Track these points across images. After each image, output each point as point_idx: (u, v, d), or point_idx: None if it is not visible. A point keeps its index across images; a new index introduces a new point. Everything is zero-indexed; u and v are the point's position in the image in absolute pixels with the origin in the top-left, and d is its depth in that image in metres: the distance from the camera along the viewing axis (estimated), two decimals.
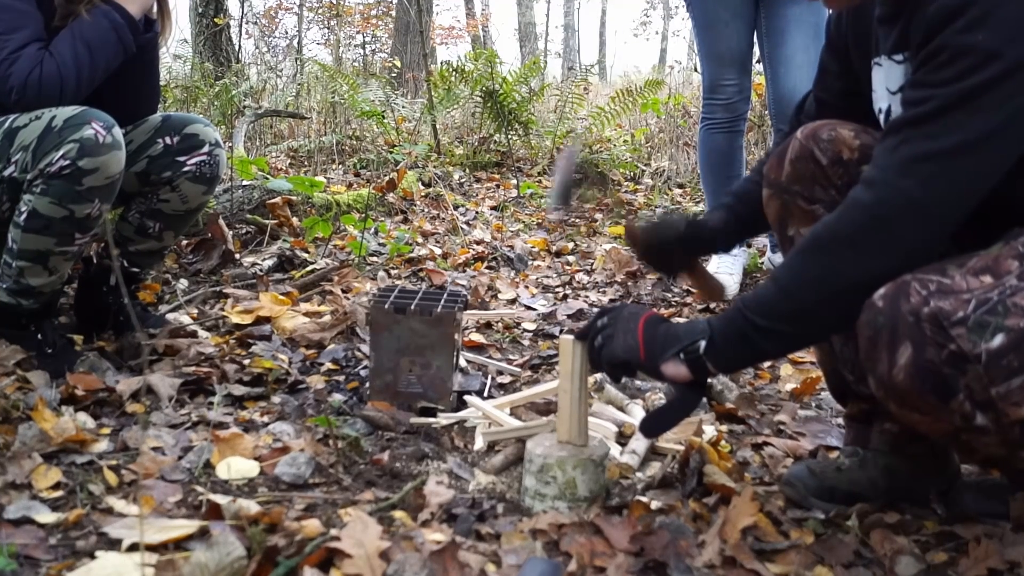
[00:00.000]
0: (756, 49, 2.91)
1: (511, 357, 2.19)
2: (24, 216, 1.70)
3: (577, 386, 1.37)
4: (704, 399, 1.85)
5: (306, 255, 2.98)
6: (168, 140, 1.97)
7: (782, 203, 1.42)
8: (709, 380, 1.36)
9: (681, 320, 2.45)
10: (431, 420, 1.69)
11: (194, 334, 2.09)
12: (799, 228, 1.41)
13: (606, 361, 1.30)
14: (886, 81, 1.29)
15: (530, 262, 3.23)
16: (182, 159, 1.97)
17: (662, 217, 1.57)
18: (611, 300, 2.77)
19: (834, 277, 1.14)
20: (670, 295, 2.81)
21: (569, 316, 2.54)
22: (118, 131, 1.71)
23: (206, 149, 1.99)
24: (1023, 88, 1.06)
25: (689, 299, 2.77)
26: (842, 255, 1.13)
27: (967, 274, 1.07)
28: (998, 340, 1.02)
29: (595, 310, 2.60)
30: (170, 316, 2.25)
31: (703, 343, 1.21)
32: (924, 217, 1.10)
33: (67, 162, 1.65)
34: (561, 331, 2.39)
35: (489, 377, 1.99)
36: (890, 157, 1.12)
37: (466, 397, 1.77)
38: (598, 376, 1.97)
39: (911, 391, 1.07)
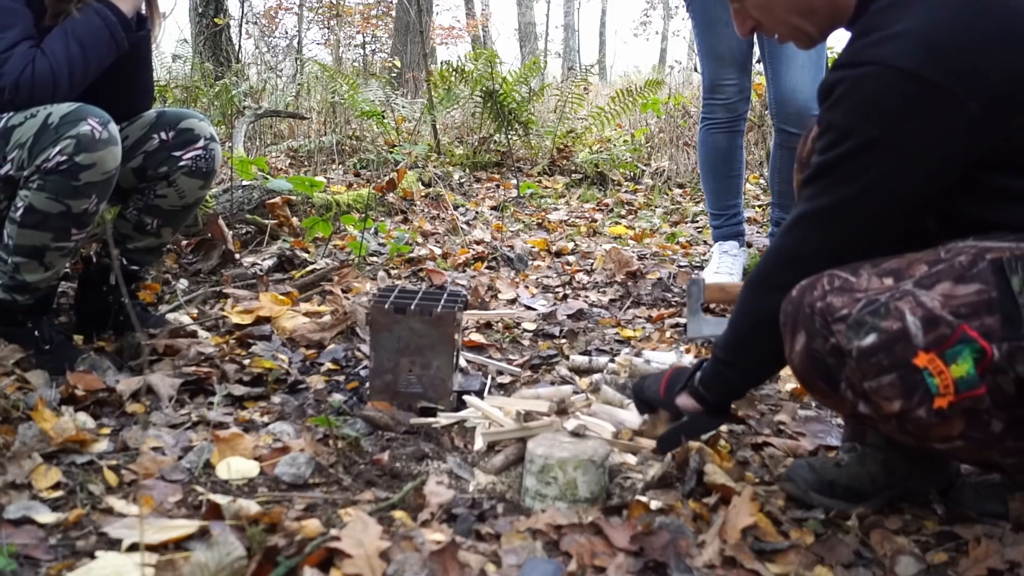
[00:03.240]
0: (756, 49, 2.91)
1: (511, 357, 2.19)
2: (20, 212, 1.70)
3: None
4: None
5: (306, 255, 2.98)
6: (164, 135, 1.98)
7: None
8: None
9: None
10: (431, 420, 1.69)
11: (194, 334, 2.09)
12: None
13: (639, 399, 1.60)
14: None
15: (530, 262, 3.23)
16: (178, 154, 1.98)
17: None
18: (611, 300, 2.77)
19: (758, 310, 1.32)
20: (670, 295, 2.81)
21: (569, 316, 2.54)
22: (114, 127, 1.71)
23: (201, 144, 2.00)
24: (875, 162, 1.18)
25: None
26: (760, 291, 1.32)
27: (874, 275, 1.18)
28: (870, 339, 1.12)
29: (595, 310, 2.61)
30: (170, 316, 2.25)
31: (696, 379, 1.44)
32: (805, 267, 1.24)
33: (64, 158, 1.65)
34: (561, 331, 2.39)
35: (489, 377, 1.99)
36: (793, 209, 1.30)
37: (465, 397, 1.77)
38: (595, 378, 1.98)
39: (804, 374, 1.22)
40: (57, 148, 1.65)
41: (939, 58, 1.14)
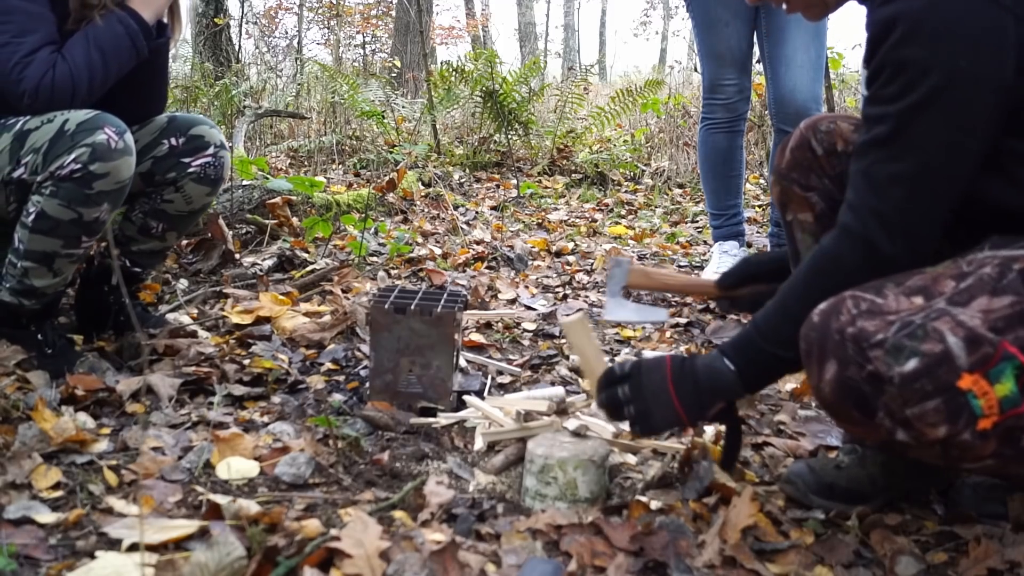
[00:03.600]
0: (756, 49, 2.91)
1: (511, 357, 2.19)
2: (32, 217, 1.70)
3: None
4: None
5: (306, 255, 2.98)
6: (173, 141, 1.98)
7: (782, 189, 1.49)
8: None
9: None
10: (431, 420, 1.69)
11: (194, 334, 2.09)
12: (796, 214, 1.48)
13: (647, 435, 1.44)
14: None
15: (530, 262, 3.23)
16: (187, 160, 1.98)
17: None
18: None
19: None
20: (669, 295, 2.81)
21: (569, 316, 2.53)
22: (130, 137, 1.72)
23: (211, 151, 2.00)
24: (964, 93, 1.10)
25: (689, 299, 2.77)
26: (840, 281, 1.17)
27: (901, 294, 1.11)
28: (911, 364, 1.04)
29: (595, 310, 2.60)
30: (170, 316, 2.25)
31: (739, 387, 1.29)
32: (908, 236, 1.16)
33: (78, 166, 1.65)
34: (561, 331, 2.39)
35: (489, 377, 1.99)
36: (864, 180, 1.18)
37: (465, 397, 1.77)
38: None
39: (836, 404, 1.13)
40: (72, 156, 1.65)
41: None
